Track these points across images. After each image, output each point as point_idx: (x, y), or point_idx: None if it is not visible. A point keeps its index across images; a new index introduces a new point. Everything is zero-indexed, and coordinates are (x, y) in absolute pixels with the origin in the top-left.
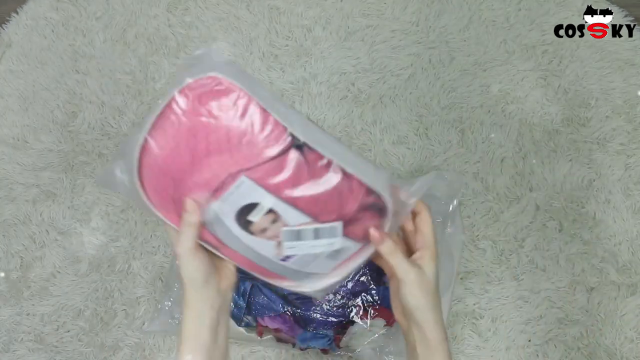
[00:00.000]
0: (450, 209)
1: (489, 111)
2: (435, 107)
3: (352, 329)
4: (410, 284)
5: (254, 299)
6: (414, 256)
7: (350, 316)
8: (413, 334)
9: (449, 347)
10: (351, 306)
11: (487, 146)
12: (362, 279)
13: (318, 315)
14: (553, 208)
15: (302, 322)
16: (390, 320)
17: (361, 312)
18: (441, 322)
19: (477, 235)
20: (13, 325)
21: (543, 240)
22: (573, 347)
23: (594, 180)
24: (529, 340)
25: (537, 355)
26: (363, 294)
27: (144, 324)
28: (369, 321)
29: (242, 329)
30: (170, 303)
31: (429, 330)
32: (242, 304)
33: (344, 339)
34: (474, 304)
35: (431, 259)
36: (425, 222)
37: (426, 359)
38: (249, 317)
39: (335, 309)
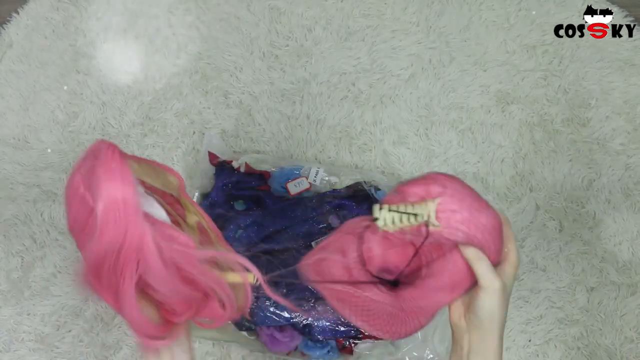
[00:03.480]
0: None
1: (489, 111)
2: (435, 107)
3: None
4: (493, 293)
5: (258, 310)
6: (499, 268)
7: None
8: (471, 341)
9: None
10: None
11: (487, 146)
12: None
13: (328, 324)
14: (553, 208)
15: (307, 328)
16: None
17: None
18: (503, 337)
19: None
20: (14, 325)
21: (543, 240)
22: (573, 347)
23: (594, 180)
24: (529, 340)
25: (537, 355)
26: None
27: None
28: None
29: (244, 333)
30: None
31: (492, 340)
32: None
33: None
34: None
35: (513, 275)
36: (509, 238)
37: None
38: (252, 325)
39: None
